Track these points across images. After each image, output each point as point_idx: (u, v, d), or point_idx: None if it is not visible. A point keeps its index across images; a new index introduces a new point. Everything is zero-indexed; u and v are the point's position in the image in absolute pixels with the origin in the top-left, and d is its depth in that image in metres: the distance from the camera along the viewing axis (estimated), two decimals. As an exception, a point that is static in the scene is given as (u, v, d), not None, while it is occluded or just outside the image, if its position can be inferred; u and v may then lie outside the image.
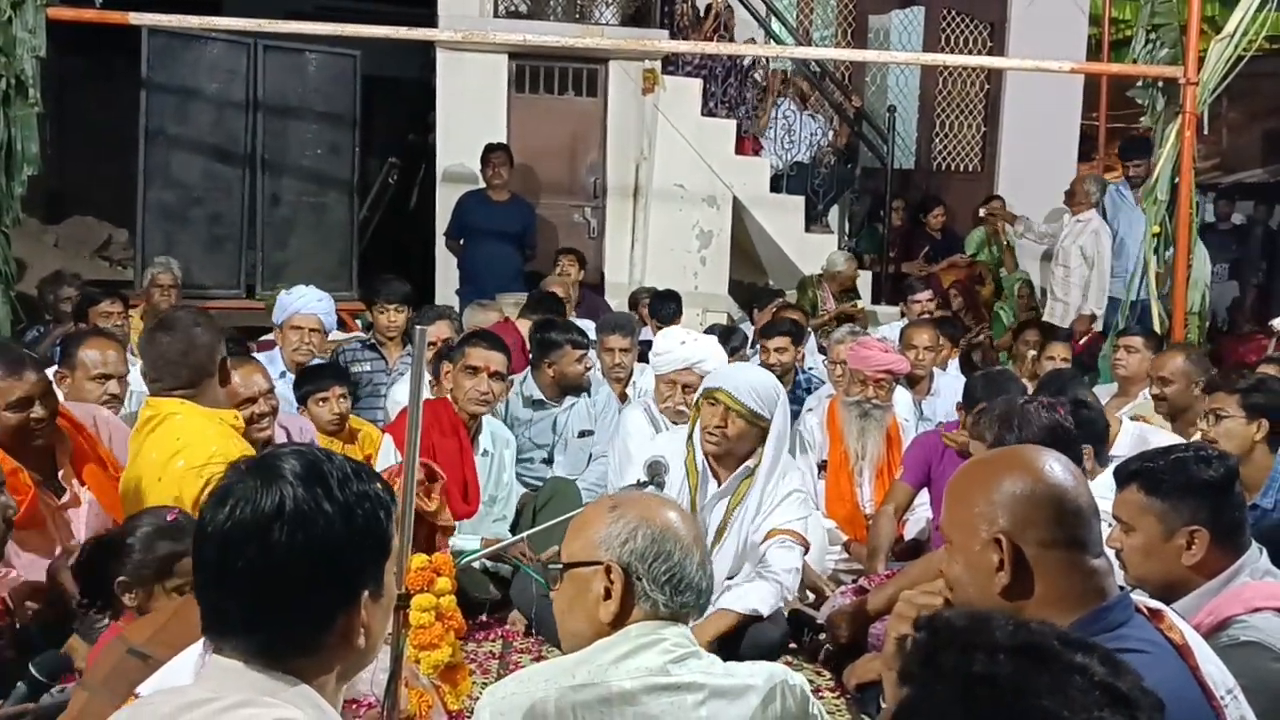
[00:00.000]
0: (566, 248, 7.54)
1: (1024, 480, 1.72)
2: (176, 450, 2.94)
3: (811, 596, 4.09)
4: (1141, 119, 6.10)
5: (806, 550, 3.71)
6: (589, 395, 5.04)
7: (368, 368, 5.54)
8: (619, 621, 1.89)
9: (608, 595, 1.88)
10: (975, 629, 1.09)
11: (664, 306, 6.57)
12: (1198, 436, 3.78)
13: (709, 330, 5.85)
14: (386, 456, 3.95)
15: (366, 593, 1.44)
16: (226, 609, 1.40)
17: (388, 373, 5.58)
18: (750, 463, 3.63)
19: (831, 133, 9.23)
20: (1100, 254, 7.57)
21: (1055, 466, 1.74)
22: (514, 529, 4.21)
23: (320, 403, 4.45)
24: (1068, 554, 1.68)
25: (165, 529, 2.59)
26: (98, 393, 3.33)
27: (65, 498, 3.34)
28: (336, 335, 6.62)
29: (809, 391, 5.66)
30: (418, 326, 2.08)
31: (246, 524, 1.37)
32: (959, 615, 1.13)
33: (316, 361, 5.18)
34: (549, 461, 4.92)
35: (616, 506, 1.98)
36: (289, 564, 1.37)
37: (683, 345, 4.55)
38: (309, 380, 4.57)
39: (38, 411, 3.25)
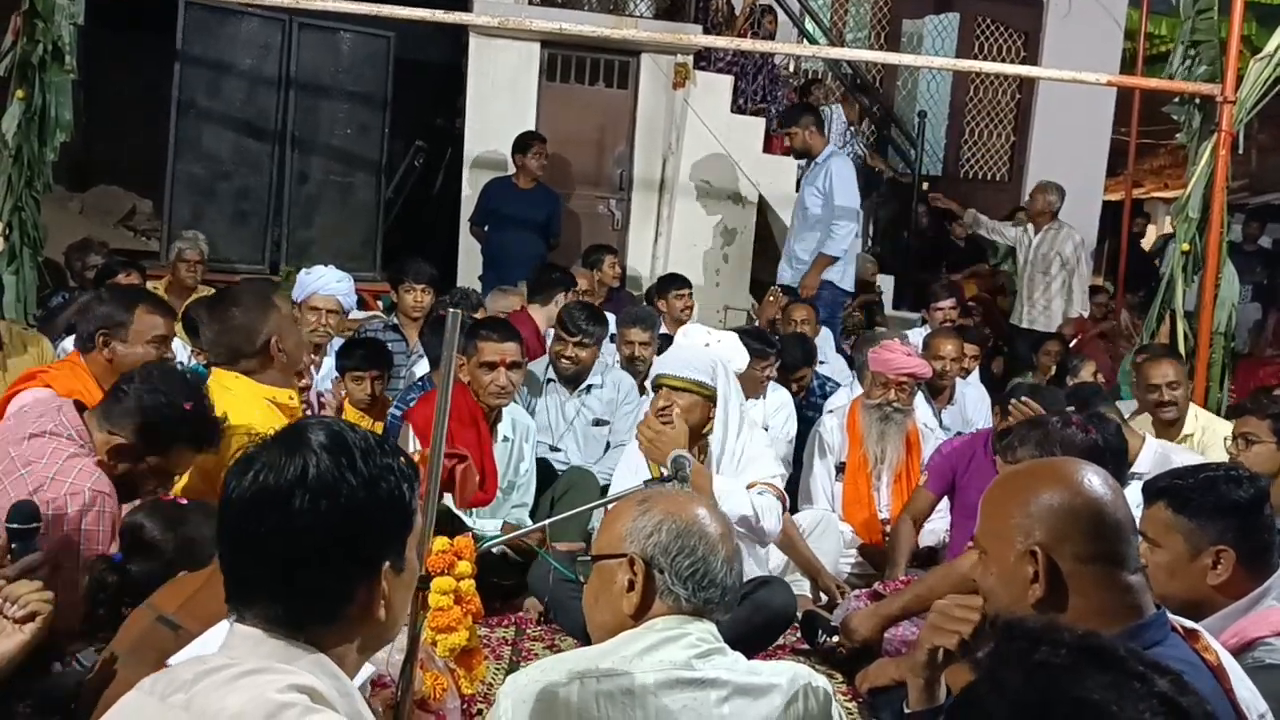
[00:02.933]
0: (610, 247, 7.53)
1: (1062, 493, 1.70)
2: None
3: (825, 599, 4.08)
4: (1177, 135, 6.05)
5: (784, 506, 3.70)
6: (601, 387, 5.00)
7: (388, 348, 5.56)
8: (641, 614, 1.89)
9: (631, 587, 1.89)
10: (1047, 627, 1.13)
11: (674, 281, 6.59)
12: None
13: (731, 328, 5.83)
14: (404, 444, 3.95)
15: (388, 564, 1.44)
16: (248, 576, 1.41)
17: (408, 354, 5.59)
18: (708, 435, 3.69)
19: (861, 136, 9.21)
20: (1079, 258, 7.74)
21: (1094, 480, 1.73)
22: (532, 517, 4.22)
23: (356, 380, 4.60)
24: (1104, 569, 1.67)
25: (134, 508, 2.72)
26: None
27: None
28: (357, 315, 6.64)
29: (823, 396, 5.63)
30: (450, 311, 2.08)
31: (269, 491, 1.38)
32: (1034, 618, 1.15)
33: (370, 329, 5.44)
34: (554, 449, 4.89)
35: (645, 500, 1.99)
36: (310, 532, 1.38)
37: (706, 346, 4.53)
38: (351, 358, 4.67)
39: (168, 353, 3.40)
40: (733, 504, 3.48)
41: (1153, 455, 4.13)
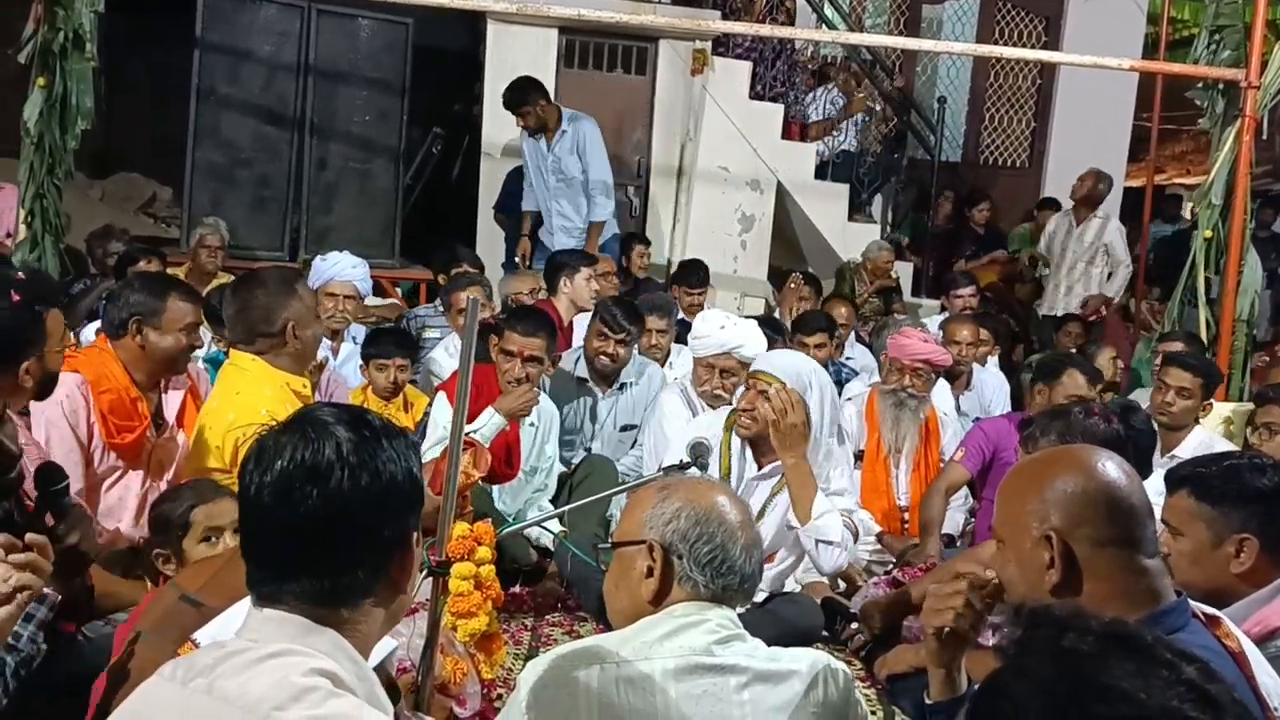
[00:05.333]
0: (642, 236, 7.48)
1: (1076, 478, 1.72)
2: (230, 404, 3.03)
3: (843, 586, 4.08)
4: (1200, 121, 6.00)
5: (855, 538, 3.69)
6: (634, 386, 4.91)
7: (437, 334, 5.59)
8: (660, 600, 1.90)
9: (650, 573, 1.90)
10: (1073, 615, 1.13)
11: (691, 275, 6.55)
12: None
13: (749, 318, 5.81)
14: (439, 410, 3.99)
15: (417, 534, 1.50)
16: (287, 558, 1.41)
17: (446, 331, 5.62)
18: None
19: (880, 114, 9.15)
20: (1123, 247, 7.74)
21: (1109, 465, 1.74)
22: (553, 503, 4.24)
23: (380, 368, 4.58)
24: (1120, 553, 1.68)
25: (162, 495, 2.79)
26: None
27: (164, 436, 3.43)
28: (373, 301, 6.65)
29: (841, 384, 5.60)
30: (470, 297, 2.09)
31: (309, 469, 1.40)
32: (1060, 606, 1.15)
33: (416, 315, 5.56)
34: (587, 450, 4.80)
35: (665, 488, 2.00)
36: (353, 505, 1.41)
37: (722, 330, 4.54)
38: (376, 344, 4.67)
39: (198, 340, 3.46)
40: (826, 525, 3.43)
41: (1196, 444, 4.10)
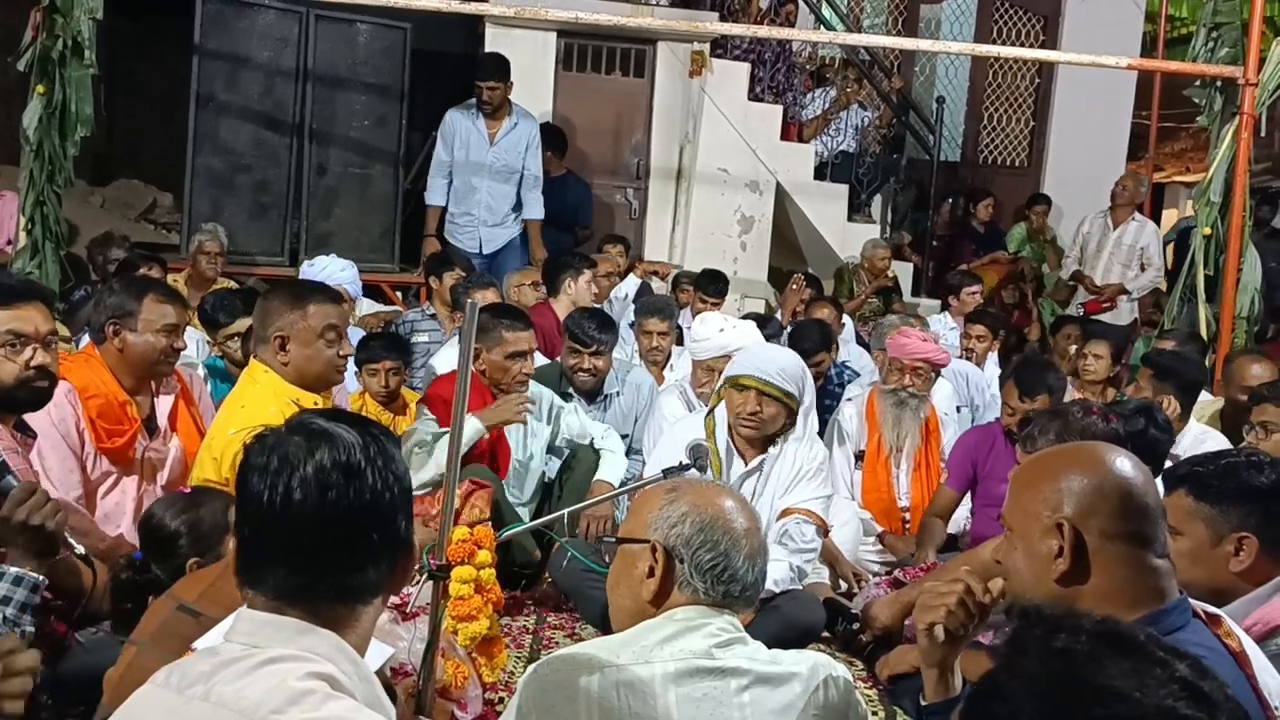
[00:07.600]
0: (616, 235, 7.50)
1: (1093, 471, 1.73)
2: (234, 418, 3.03)
3: (844, 587, 4.08)
4: (1198, 119, 6.01)
5: (825, 533, 3.73)
6: (619, 396, 4.85)
7: (425, 338, 5.58)
8: (660, 602, 1.90)
9: (651, 574, 1.90)
10: (1065, 614, 1.13)
11: (711, 284, 6.55)
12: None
13: (745, 317, 5.81)
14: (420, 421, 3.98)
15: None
16: (299, 555, 1.41)
17: (443, 340, 5.62)
18: (779, 438, 3.70)
19: (876, 118, 9.15)
20: (1158, 250, 7.75)
21: (1125, 463, 1.75)
22: (544, 502, 4.24)
23: (371, 373, 4.56)
24: (1129, 548, 1.69)
25: (197, 500, 2.67)
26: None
27: (157, 440, 3.41)
28: (374, 307, 6.66)
29: (841, 385, 5.61)
30: (469, 300, 2.09)
31: (333, 467, 1.41)
32: (1052, 605, 1.15)
33: (407, 320, 5.56)
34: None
35: (674, 489, 1.99)
36: (372, 503, 1.43)
37: (721, 332, 4.56)
38: (365, 350, 4.66)
39: (179, 342, 3.40)
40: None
41: (1192, 439, 4.11)
